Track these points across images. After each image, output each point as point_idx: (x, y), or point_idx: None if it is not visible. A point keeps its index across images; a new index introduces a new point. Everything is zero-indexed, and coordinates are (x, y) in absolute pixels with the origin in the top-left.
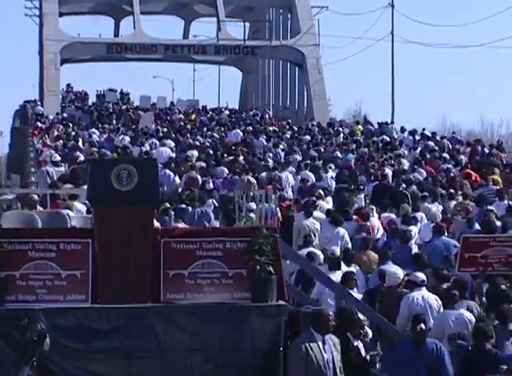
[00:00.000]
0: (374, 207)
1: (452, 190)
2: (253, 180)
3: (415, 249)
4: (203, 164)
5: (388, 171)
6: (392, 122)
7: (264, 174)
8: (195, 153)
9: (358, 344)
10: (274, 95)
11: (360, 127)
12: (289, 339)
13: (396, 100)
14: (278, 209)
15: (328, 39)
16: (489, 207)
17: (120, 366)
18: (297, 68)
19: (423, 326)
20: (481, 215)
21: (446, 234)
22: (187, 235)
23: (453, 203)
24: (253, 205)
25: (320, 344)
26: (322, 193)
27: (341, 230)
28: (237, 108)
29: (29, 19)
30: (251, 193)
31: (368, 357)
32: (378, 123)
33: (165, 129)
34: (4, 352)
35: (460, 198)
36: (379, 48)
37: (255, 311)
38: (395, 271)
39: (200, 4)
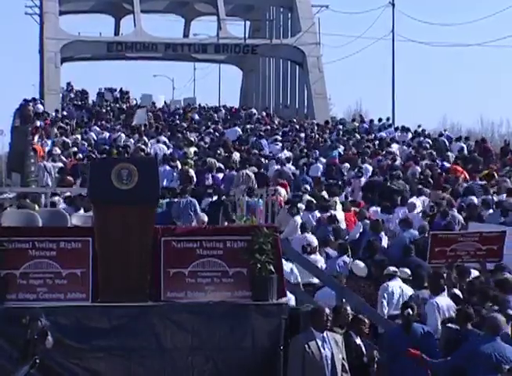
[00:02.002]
0: (338, 200)
1: (420, 186)
2: (251, 174)
3: (385, 239)
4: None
5: (368, 167)
6: (387, 119)
7: (272, 169)
8: (192, 149)
9: (361, 343)
10: (274, 93)
11: (356, 124)
12: (289, 338)
13: (396, 99)
14: (263, 203)
15: (328, 38)
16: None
17: (120, 365)
18: (297, 67)
19: (410, 311)
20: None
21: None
22: (187, 234)
23: (422, 198)
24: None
25: (319, 341)
26: (308, 187)
27: (298, 220)
28: (236, 107)
29: (29, 18)
30: (249, 186)
31: (365, 359)
32: (370, 120)
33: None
34: (4, 351)
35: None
36: (379, 47)
37: (255, 310)
38: (360, 263)
39: (201, 2)
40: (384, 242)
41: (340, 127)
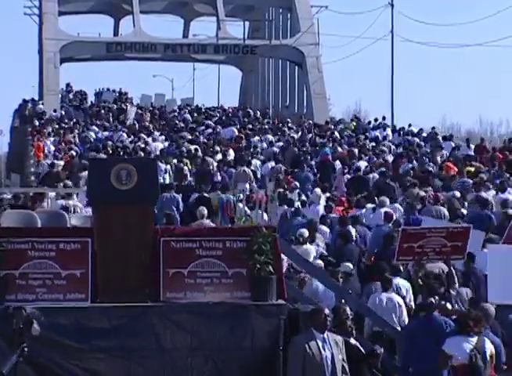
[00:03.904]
0: (321, 194)
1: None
2: (248, 171)
3: (352, 232)
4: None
5: (362, 164)
6: (383, 118)
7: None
8: (192, 147)
9: (356, 343)
10: (274, 94)
11: (354, 124)
12: (288, 338)
13: (396, 99)
14: (234, 199)
15: (328, 38)
16: (455, 194)
17: (119, 366)
18: (296, 67)
19: (432, 300)
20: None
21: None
22: (187, 234)
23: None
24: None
25: (319, 342)
26: (298, 184)
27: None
28: (233, 107)
29: (28, 19)
30: (247, 185)
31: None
32: (358, 119)
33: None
34: (3, 352)
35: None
36: (378, 48)
37: (255, 310)
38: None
39: (200, 3)
40: (352, 234)
41: (332, 127)
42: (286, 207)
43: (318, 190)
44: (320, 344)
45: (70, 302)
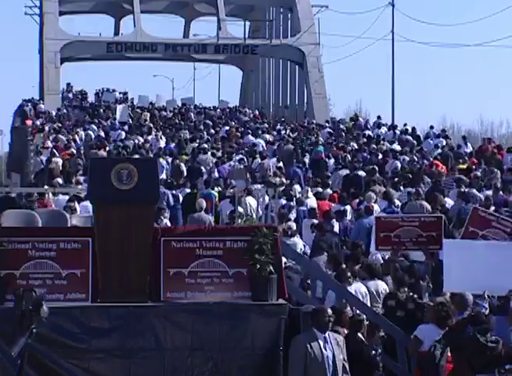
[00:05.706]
0: (309, 189)
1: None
2: (245, 168)
3: (336, 225)
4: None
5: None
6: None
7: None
8: (195, 145)
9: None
10: (274, 94)
11: (352, 123)
12: (289, 338)
13: (396, 99)
14: (217, 194)
15: (328, 38)
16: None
17: (119, 366)
18: (297, 67)
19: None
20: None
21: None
22: (187, 234)
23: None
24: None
25: (321, 342)
26: (285, 180)
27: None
28: (230, 107)
29: (29, 18)
30: (244, 182)
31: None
32: (352, 119)
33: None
34: (3, 352)
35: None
36: (379, 48)
37: (255, 310)
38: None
39: (201, 3)
40: (336, 228)
41: (327, 125)
42: (285, 201)
43: (296, 187)
44: (322, 344)
45: (70, 302)
